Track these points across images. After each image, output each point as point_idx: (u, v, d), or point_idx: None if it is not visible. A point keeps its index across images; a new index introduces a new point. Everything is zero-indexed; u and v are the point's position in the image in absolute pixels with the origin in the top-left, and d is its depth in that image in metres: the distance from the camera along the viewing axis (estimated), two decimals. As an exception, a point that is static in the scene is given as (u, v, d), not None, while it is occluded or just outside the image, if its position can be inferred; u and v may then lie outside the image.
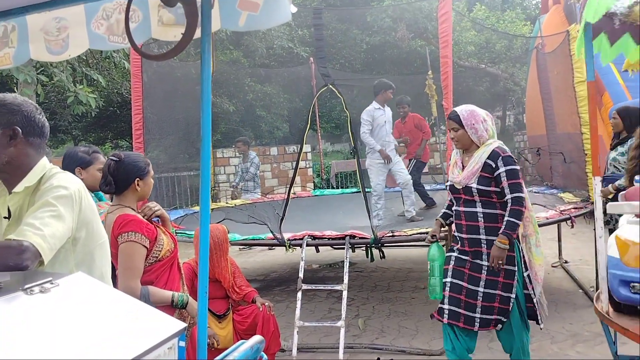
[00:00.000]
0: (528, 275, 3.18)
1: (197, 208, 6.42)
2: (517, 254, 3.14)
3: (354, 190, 7.85)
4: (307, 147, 11.95)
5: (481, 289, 3.13)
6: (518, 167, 3.10)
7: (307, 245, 4.17)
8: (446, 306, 3.18)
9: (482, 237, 3.12)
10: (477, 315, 3.12)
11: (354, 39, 14.82)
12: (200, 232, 1.52)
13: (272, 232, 4.25)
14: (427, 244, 3.43)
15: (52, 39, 2.11)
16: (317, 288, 4.22)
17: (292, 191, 4.97)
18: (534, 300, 3.19)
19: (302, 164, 11.47)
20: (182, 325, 1.41)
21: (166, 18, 1.93)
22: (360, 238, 4.17)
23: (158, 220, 2.82)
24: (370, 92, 6.30)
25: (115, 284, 2.55)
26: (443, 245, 3.88)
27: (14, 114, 1.78)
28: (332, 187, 10.86)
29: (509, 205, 3.04)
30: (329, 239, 4.26)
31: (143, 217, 2.69)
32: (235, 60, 13.05)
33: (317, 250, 6.66)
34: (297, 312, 3.79)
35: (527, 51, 10.41)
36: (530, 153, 8.47)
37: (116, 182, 2.58)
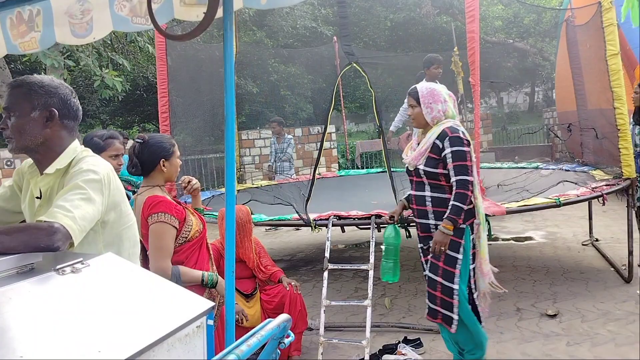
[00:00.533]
0: (473, 268, 3.01)
1: (223, 189, 6.47)
2: (467, 243, 2.96)
3: (379, 170, 7.79)
4: (331, 128, 11.90)
5: (427, 273, 3.04)
6: (466, 149, 2.89)
7: (333, 225, 4.17)
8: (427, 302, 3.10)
9: (431, 222, 3.00)
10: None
11: (378, 16, 14.62)
12: (227, 214, 1.53)
13: (297, 212, 4.25)
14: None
15: (77, 22, 2.12)
16: (343, 268, 4.23)
17: (317, 172, 4.97)
18: (474, 294, 3.00)
19: (326, 144, 11.43)
20: (210, 304, 1.42)
21: (188, -2, 1.92)
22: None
23: (186, 201, 2.86)
24: (395, 70, 6.16)
25: (146, 265, 2.61)
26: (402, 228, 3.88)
27: (51, 96, 1.81)
28: (357, 168, 10.82)
29: (454, 188, 2.89)
30: (354, 218, 4.24)
31: (182, 188, 2.78)
32: (258, 41, 13.02)
33: (343, 230, 6.63)
34: (324, 291, 3.81)
35: (556, 25, 10.11)
36: (560, 129, 8.28)
37: (142, 163, 2.61)
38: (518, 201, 4.20)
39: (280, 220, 4.44)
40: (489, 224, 3.95)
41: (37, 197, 1.84)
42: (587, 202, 5.34)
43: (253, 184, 7.12)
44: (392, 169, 4.25)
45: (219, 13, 1.45)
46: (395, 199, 4.06)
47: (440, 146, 2.92)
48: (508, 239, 6.58)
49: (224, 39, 1.39)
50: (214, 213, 4.48)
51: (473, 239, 3.00)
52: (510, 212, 4.12)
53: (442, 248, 2.91)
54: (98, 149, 2.98)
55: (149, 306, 1.36)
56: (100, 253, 1.73)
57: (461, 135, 2.93)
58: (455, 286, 2.94)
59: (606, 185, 4.59)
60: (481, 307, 2.99)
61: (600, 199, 4.43)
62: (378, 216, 4.14)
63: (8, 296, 1.19)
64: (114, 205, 1.84)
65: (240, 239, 3.49)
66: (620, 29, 5.00)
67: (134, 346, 1.17)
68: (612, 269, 4.99)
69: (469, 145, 2.93)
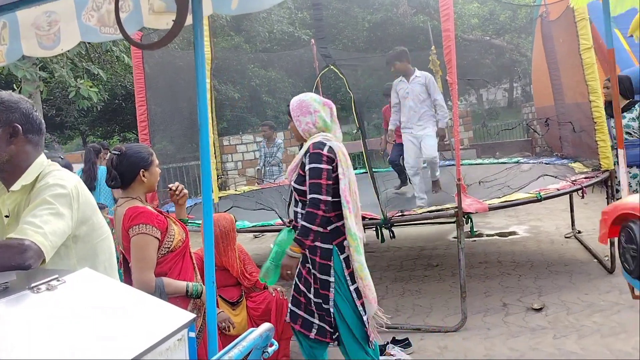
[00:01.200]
0: (356, 289, 2.79)
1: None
2: (337, 264, 2.77)
3: (362, 170, 7.80)
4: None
5: (297, 282, 2.95)
6: (323, 166, 2.68)
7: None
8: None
9: None
10: (316, 321, 2.88)
11: (355, 17, 14.67)
12: (205, 223, 1.51)
13: (280, 217, 4.23)
14: (433, 221, 3.32)
15: (44, 33, 2.08)
16: (329, 271, 4.21)
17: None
18: (364, 318, 2.79)
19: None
20: (190, 316, 1.40)
21: (157, 6, 1.89)
22: (370, 219, 4.15)
23: (168, 210, 2.83)
24: (375, 71, 6.21)
25: (128, 277, 2.56)
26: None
27: (12, 111, 1.76)
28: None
29: (306, 207, 2.71)
30: (338, 221, 4.23)
31: (172, 194, 2.74)
32: (236, 46, 12.98)
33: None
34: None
35: (531, 20, 10.23)
36: (538, 124, 8.38)
37: (121, 175, 2.57)
38: (500, 197, 4.24)
39: (264, 226, 4.42)
40: (471, 221, 3.98)
41: (6, 216, 1.79)
42: (568, 195, 5.39)
43: (236, 190, 7.08)
44: (373, 170, 4.24)
45: (190, 20, 1.43)
46: (378, 199, 4.05)
47: (305, 162, 2.77)
48: (492, 235, 6.63)
49: (194, 45, 1.37)
50: (197, 222, 4.44)
51: (345, 259, 2.80)
52: (492, 208, 4.15)
53: (289, 272, 2.79)
54: (65, 166, 2.93)
55: (127, 321, 1.33)
56: (74, 268, 1.70)
57: (322, 152, 2.72)
58: (331, 308, 2.79)
59: (585, 178, 4.65)
60: (369, 330, 2.81)
61: (580, 192, 4.49)
62: (362, 217, 4.13)
63: (-19, 318, 1.15)
64: (85, 219, 1.80)
65: (224, 248, 3.46)
66: (593, 23, 5.07)
67: (112, 364, 1.15)
68: (595, 260, 5.05)
69: (330, 162, 2.72)
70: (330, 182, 2.72)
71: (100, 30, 2.01)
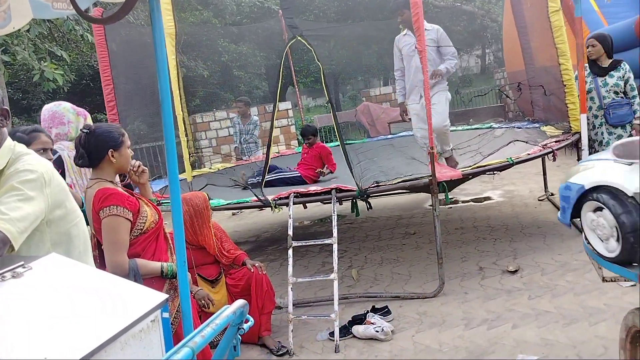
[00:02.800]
0: None
1: (180, 176, 6.34)
2: None
3: (337, 143, 7.80)
4: (288, 104, 11.77)
5: None
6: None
7: (294, 203, 4.15)
8: None
9: None
10: None
11: (326, -13, 14.46)
12: (172, 202, 1.48)
13: (255, 195, 4.21)
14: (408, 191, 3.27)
15: (-7, 11, 1.99)
16: (307, 244, 4.22)
17: (275, 150, 4.92)
18: None
19: (284, 121, 11.33)
20: (163, 296, 1.38)
21: (111, -22, 1.82)
22: (346, 191, 4.16)
23: (137, 190, 2.78)
24: (348, 41, 6.00)
25: (102, 260, 2.53)
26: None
27: None
28: (317, 142, 10.74)
29: None
30: (314, 194, 4.24)
31: (132, 173, 2.65)
32: (205, 21, 12.70)
33: (305, 207, 6.66)
34: (290, 269, 3.81)
35: (501, -15, 10.20)
36: (510, 89, 8.42)
37: (89, 154, 2.50)
38: (471, 166, 4.27)
39: (239, 203, 4.39)
40: (446, 189, 4.01)
41: None
42: (540, 159, 5.46)
43: (211, 168, 7.02)
44: (346, 142, 4.22)
45: (146, -7, 1.38)
46: (351, 172, 4.05)
47: None
48: (467, 201, 6.72)
49: (151, 18, 1.32)
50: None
51: None
52: (465, 175, 4.19)
53: None
54: (23, 144, 2.83)
55: (98, 305, 1.31)
56: (48, 253, 1.67)
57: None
58: None
59: (556, 141, 4.71)
60: None
61: (551, 155, 4.54)
62: (338, 190, 4.14)
63: (-58, 310, 1.12)
64: (58, 203, 1.77)
65: (199, 226, 3.43)
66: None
67: (83, 348, 1.13)
68: (568, 221, 5.15)
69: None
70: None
71: (52, 6, 1.93)
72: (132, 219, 2.47)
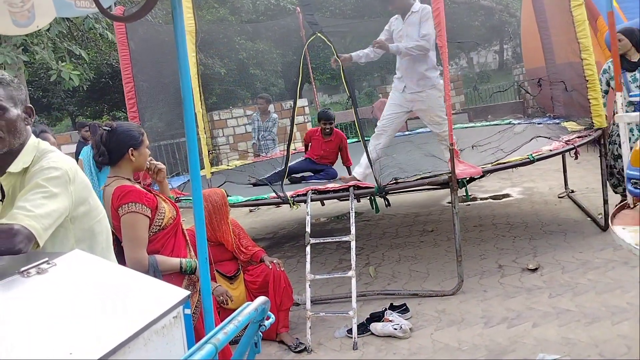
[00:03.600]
0: None
1: (198, 173, 6.38)
2: None
3: (354, 140, 7.78)
4: (304, 101, 11.77)
5: None
6: None
7: (312, 200, 4.14)
8: None
9: None
10: None
11: (342, -16, 14.42)
12: (194, 199, 1.49)
13: (274, 191, 4.21)
14: (427, 188, 3.21)
15: (17, 10, 2.00)
16: (325, 241, 4.22)
17: (292, 147, 4.90)
18: None
19: (300, 118, 11.34)
20: (185, 293, 1.39)
21: (133, -24, 1.82)
22: (364, 188, 4.15)
23: (156, 188, 2.80)
24: (364, 37, 5.94)
25: (121, 257, 2.55)
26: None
27: (21, 92, 1.73)
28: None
29: None
30: (332, 191, 4.23)
31: (148, 171, 2.68)
32: (222, 19, 12.74)
33: (323, 204, 6.66)
34: (307, 266, 3.81)
35: (520, -20, 10.07)
36: (530, 85, 8.32)
37: (109, 152, 2.53)
38: (492, 162, 4.22)
39: (258, 200, 4.40)
40: (465, 185, 3.97)
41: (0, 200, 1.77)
42: (560, 155, 5.38)
43: (228, 165, 7.04)
44: (365, 138, 4.21)
45: (167, -10, 1.38)
46: (371, 167, 4.03)
47: None
48: (486, 198, 6.66)
49: (172, 16, 1.33)
50: (190, 198, 4.42)
51: None
52: (486, 172, 4.14)
53: None
54: None
55: (121, 301, 1.32)
56: (72, 249, 1.68)
57: None
58: None
59: (578, 137, 4.63)
60: None
61: (573, 152, 4.47)
62: (356, 187, 4.13)
63: (-31, 305, 1.14)
64: (81, 200, 1.78)
65: (217, 223, 3.45)
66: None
67: (107, 344, 1.14)
68: (589, 218, 5.08)
69: None
70: None
71: (75, 5, 1.94)
72: (150, 216, 2.49)
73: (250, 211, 8.00)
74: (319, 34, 3.86)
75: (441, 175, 4.00)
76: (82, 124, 6.90)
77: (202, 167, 4.59)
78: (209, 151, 4.80)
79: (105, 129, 2.55)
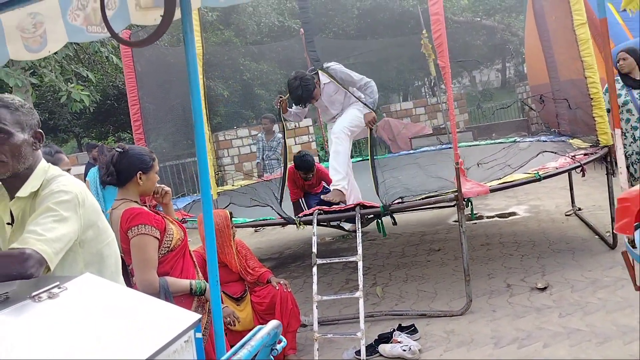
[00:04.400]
0: None
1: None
2: None
3: (359, 159, 7.79)
4: (308, 121, 11.82)
5: None
6: None
7: (318, 221, 4.13)
8: None
9: None
10: None
11: (345, 5, 14.59)
12: (205, 220, 1.48)
13: (278, 212, 4.21)
14: (433, 206, 3.25)
15: (29, 36, 2.03)
16: (331, 262, 4.19)
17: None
18: None
19: (305, 138, 11.38)
20: (196, 316, 1.38)
21: (144, 1, 1.85)
22: (370, 207, 4.13)
23: (160, 209, 2.80)
24: (366, 58, 6.02)
25: (128, 280, 2.55)
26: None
27: (32, 117, 1.75)
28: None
29: None
30: (338, 211, 4.22)
31: (154, 195, 2.69)
32: (227, 41, 12.89)
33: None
34: (314, 287, 3.78)
35: (522, -1, 10.17)
36: (533, 102, 8.35)
37: (118, 173, 2.55)
38: (500, 178, 4.21)
39: (264, 220, 4.39)
40: (471, 204, 3.96)
41: (8, 223, 1.77)
42: (567, 173, 5.37)
43: (233, 185, 7.05)
44: (367, 158, 4.22)
45: (178, 14, 1.39)
46: (376, 188, 4.03)
47: None
48: (492, 216, 6.63)
49: (184, 41, 1.34)
50: (195, 219, 4.42)
51: None
52: (493, 190, 4.13)
53: None
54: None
55: (133, 326, 1.31)
56: (81, 273, 1.68)
57: None
58: None
59: (584, 154, 4.63)
60: None
61: (579, 170, 4.46)
62: (362, 206, 4.12)
63: (-19, 331, 1.13)
64: (90, 224, 1.79)
65: (220, 244, 3.44)
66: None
67: (119, 370, 1.13)
68: (597, 236, 5.04)
69: None
70: None
71: (87, 30, 1.97)
72: (159, 237, 2.50)
73: (256, 231, 7.98)
74: (321, 71, 3.89)
75: (447, 194, 3.99)
76: (93, 145, 6.94)
77: (209, 188, 4.60)
78: (215, 172, 4.82)
79: (117, 150, 2.58)
